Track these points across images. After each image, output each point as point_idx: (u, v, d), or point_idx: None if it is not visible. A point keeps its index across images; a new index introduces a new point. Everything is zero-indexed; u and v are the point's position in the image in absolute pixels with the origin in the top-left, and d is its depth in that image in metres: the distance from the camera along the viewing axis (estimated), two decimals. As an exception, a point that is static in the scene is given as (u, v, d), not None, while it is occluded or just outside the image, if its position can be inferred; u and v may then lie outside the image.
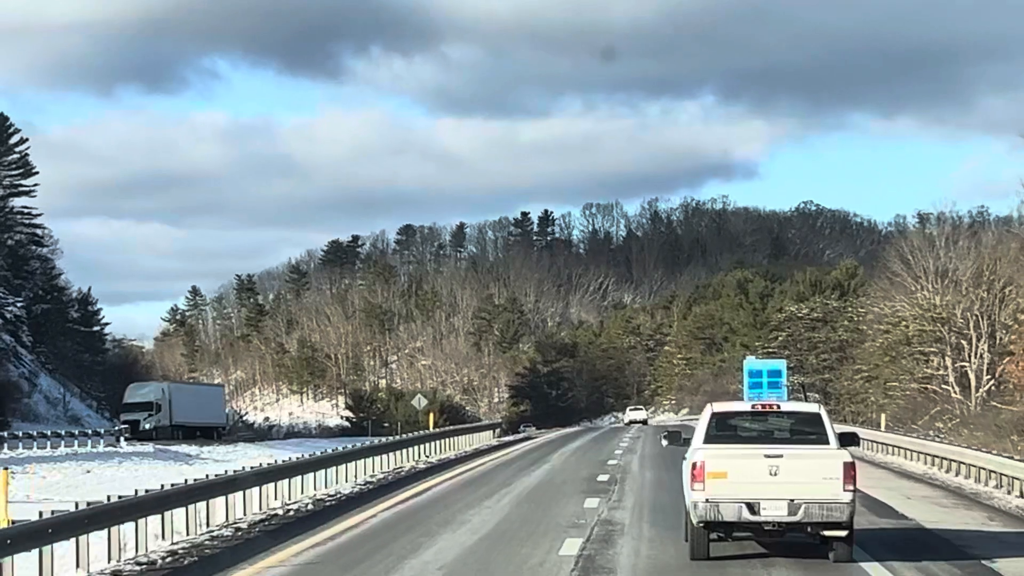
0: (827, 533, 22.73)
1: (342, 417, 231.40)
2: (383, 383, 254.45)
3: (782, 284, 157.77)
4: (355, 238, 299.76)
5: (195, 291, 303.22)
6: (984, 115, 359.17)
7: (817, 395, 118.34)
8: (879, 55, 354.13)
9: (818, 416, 23.46)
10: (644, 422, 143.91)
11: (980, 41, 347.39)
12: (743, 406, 24.27)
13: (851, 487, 22.30)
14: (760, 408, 23.73)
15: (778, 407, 23.67)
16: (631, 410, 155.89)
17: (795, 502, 22.11)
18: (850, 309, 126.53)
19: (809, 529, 22.58)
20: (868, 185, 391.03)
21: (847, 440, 23.33)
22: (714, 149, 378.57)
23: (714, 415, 23.74)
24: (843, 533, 22.62)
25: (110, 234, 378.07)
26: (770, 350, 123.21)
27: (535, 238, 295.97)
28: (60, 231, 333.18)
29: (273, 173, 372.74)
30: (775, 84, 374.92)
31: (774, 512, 22.21)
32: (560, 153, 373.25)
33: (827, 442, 23.02)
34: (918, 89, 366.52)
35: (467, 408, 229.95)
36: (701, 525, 22.58)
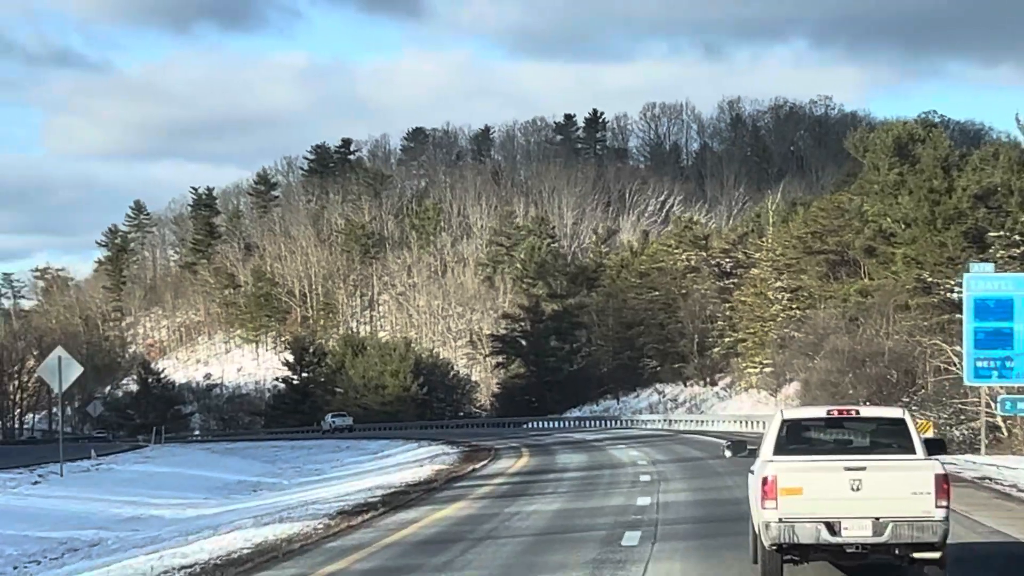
0: (917, 555, 20.93)
1: (276, 379, 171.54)
2: (365, 330, 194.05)
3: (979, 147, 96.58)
4: (346, 142, 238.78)
5: (138, 207, 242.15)
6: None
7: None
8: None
9: (902, 421, 21.75)
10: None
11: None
12: (817, 412, 22.50)
13: (944, 503, 20.57)
14: (836, 414, 21.93)
15: (856, 412, 22.18)
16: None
17: (880, 521, 20.53)
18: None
19: (897, 551, 20.85)
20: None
21: (934, 448, 21.97)
22: (804, 97, 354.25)
23: (784, 422, 21.75)
24: (936, 555, 20.84)
25: (187, 177, 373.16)
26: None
27: (579, 146, 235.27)
28: (136, 172, 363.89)
29: (349, 116, 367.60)
30: (870, 29, 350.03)
31: (857, 533, 20.60)
32: (642, 99, 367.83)
33: (913, 451, 21.40)
34: (1021, 37, 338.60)
35: (464, 371, 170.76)
36: (773, 548, 20.79)
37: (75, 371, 46.20)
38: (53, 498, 40.32)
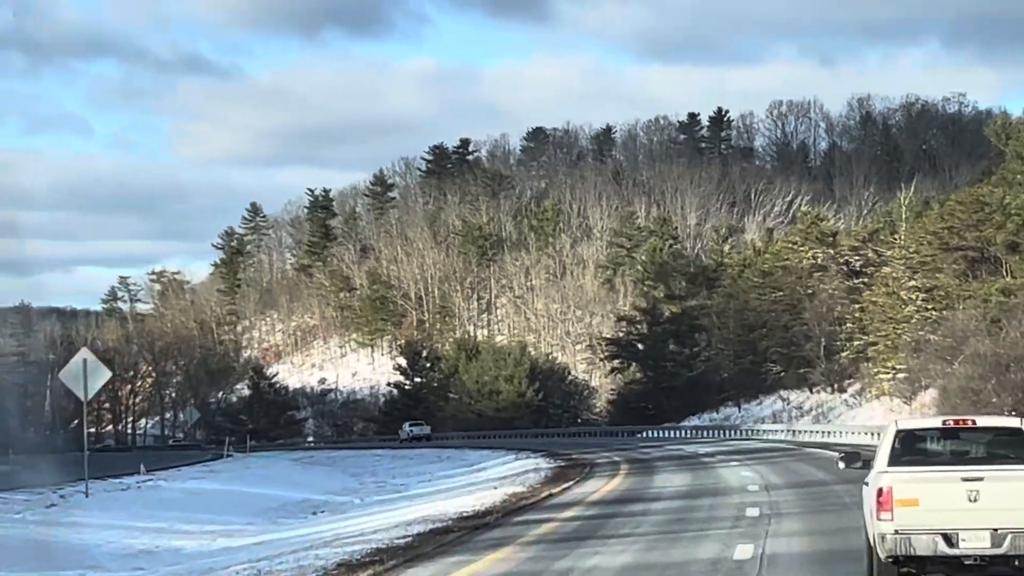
0: None
1: (389, 384, 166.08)
2: (482, 334, 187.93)
3: None
4: (464, 142, 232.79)
5: (255, 210, 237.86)
6: None
7: None
8: None
9: (1019, 431, 21.13)
10: None
11: None
12: (932, 422, 22.71)
13: None
14: (952, 424, 21.55)
15: (973, 422, 21.74)
16: None
17: (999, 532, 19.97)
18: None
19: (1016, 563, 20.23)
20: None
21: None
22: (936, 95, 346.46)
23: (899, 432, 21.23)
24: None
25: (311, 182, 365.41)
26: None
27: (703, 145, 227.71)
28: (262, 178, 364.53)
29: (471, 119, 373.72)
30: (1007, 29, 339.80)
31: (975, 544, 20.08)
32: (767, 99, 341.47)
33: None
34: None
35: (583, 376, 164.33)
36: (889, 560, 20.29)
37: (102, 376, 40.27)
38: (60, 526, 34.29)
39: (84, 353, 40.52)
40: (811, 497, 31.22)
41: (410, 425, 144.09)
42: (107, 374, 40.83)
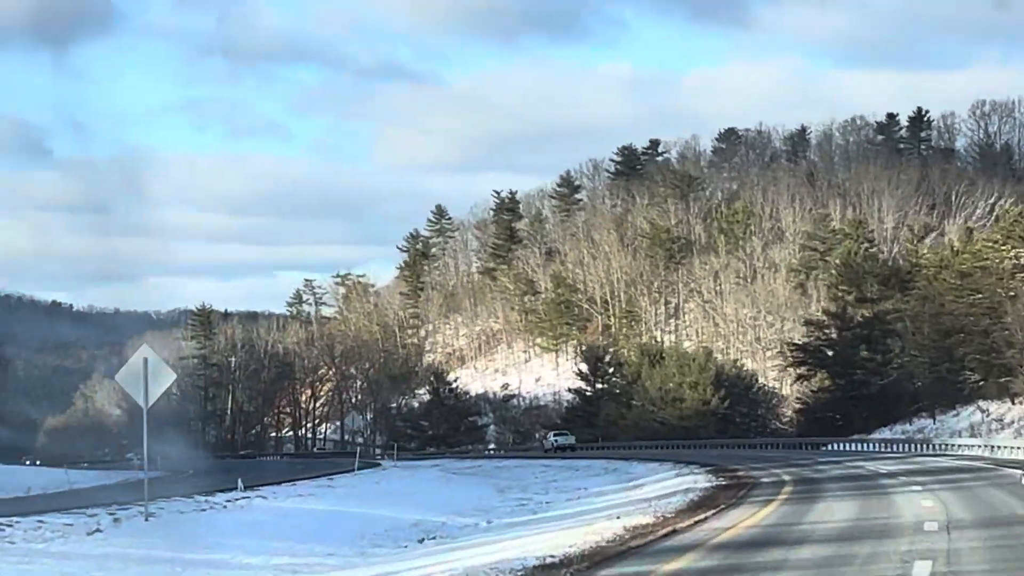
0: None
1: (569, 390, 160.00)
2: (669, 339, 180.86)
3: None
4: (654, 143, 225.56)
5: (440, 212, 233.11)
6: None
7: None
8: None
9: None
10: None
11: None
12: None
13: None
14: None
15: None
16: None
17: None
18: None
19: None
20: None
21: None
22: None
23: None
24: None
25: (505, 185, 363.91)
26: None
27: (901, 146, 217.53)
28: (456, 184, 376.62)
29: (666, 124, 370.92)
30: None
31: None
32: (968, 103, 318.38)
33: None
34: None
35: (773, 384, 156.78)
36: None
37: (165, 379, 34.30)
38: (88, 558, 28.41)
39: (145, 351, 34.47)
40: (1007, 545, 24.01)
41: (555, 435, 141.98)
42: (171, 377, 34.78)
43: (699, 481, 51.34)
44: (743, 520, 29.76)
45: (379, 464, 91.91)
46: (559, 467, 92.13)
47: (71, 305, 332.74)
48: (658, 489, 50.81)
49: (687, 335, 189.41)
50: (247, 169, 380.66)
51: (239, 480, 47.43)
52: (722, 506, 35.04)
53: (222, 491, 44.77)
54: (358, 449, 70.45)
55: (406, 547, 35.62)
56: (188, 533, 33.37)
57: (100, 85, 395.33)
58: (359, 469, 71.74)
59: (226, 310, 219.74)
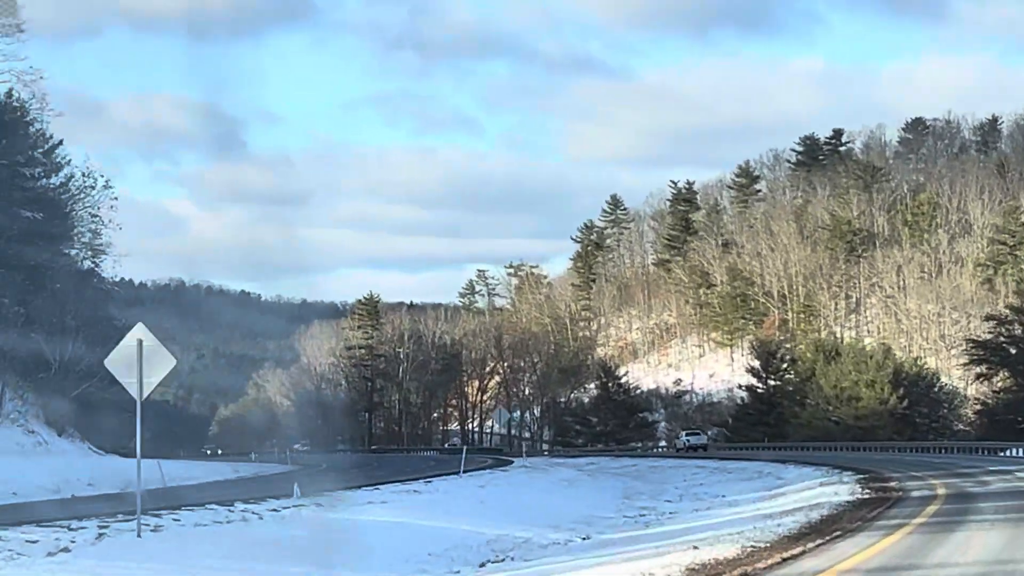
0: None
1: (740, 386, 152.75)
2: (849, 335, 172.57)
3: None
4: (837, 133, 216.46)
5: (615, 202, 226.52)
6: None
7: None
8: None
9: None
10: None
11: None
12: None
13: None
14: None
15: None
16: None
17: None
18: None
19: None
20: None
21: None
22: None
23: None
24: None
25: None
26: None
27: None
28: (645, 178, 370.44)
29: (852, 115, 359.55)
30: None
31: None
32: None
33: None
34: None
35: (958, 384, 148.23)
36: None
37: (164, 365, 28.55)
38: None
39: (139, 331, 28.75)
40: None
41: (687, 434, 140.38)
42: (170, 363, 29.00)
43: (840, 493, 44.52)
44: (845, 559, 23.14)
45: (510, 463, 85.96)
46: (712, 469, 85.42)
47: (259, 295, 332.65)
48: (791, 502, 44.10)
49: (867, 331, 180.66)
50: (437, 162, 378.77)
51: (295, 486, 41.51)
52: (837, 532, 28.38)
53: (277, 496, 39.07)
54: (464, 449, 64.49)
55: (458, 573, 29.50)
56: (180, 555, 27.51)
57: (294, 78, 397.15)
58: (479, 470, 65.80)
59: (411, 302, 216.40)
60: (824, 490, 47.45)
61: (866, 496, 42.22)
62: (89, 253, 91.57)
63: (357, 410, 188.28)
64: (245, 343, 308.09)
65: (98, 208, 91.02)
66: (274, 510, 36.05)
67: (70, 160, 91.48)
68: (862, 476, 55.97)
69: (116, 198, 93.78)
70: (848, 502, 39.38)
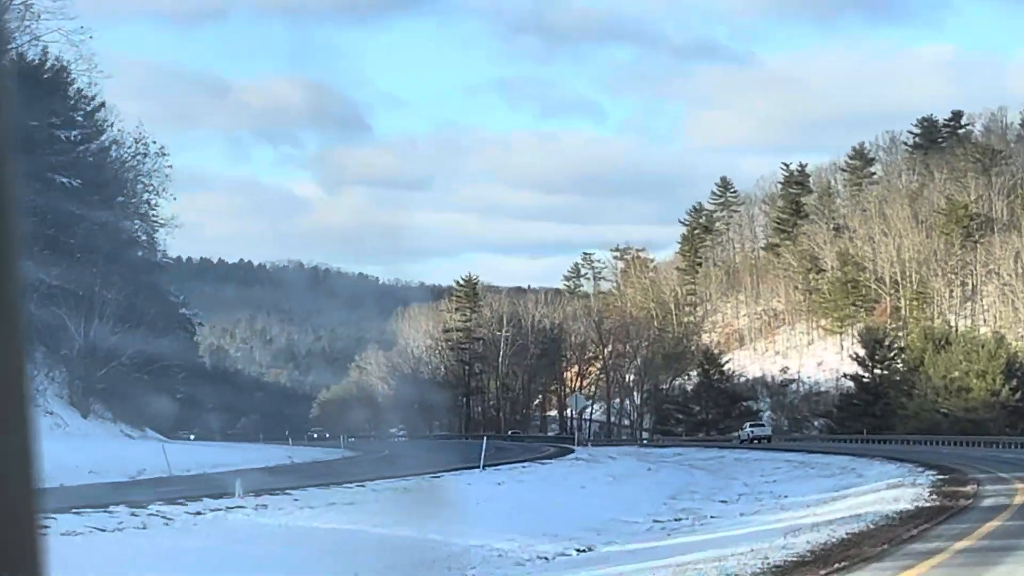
0: None
1: (844, 375, 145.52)
2: (964, 324, 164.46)
3: None
4: (956, 115, 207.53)
5: (724, 185, 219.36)
6: None
7: None
8: None
9: None
10: None
11: None
12: None
13: None
14: None
15: None
16: None
17: None
18: None
19: None
20: None
21: None
22: None
23: None
24: None
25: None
26: None
27: None
28: (764, 166, 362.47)
29: (976, 100, 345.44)
30: None
31: None
32: None
33: None
34: None
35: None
36: None
37: None
38: None
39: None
40: None
41: (751, 426, 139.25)
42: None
43: (902, 499, 38.40)
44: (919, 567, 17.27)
45: (569, 452, 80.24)
46: (797, 463, 79.13)
47: (377, 278, 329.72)
48: (846, 507, 38.07)
49: (983, 319, 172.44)
50: (558, 147, 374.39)
51: (237, 483, 35.86)
52: (842, 564, 22.34)
53: (224, 496, 33.66)
54: (484, 441, 59.10)
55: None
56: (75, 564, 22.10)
57: (419, 63, 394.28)
58: (519, 462, 60.12)
59: (529, 286, 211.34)
60: (886, 494, 41.32)
61: (928, 504, 36.06)
62: (139, 223, 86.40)
63: (456, 395, 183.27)
64: (361, 326, 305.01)
65: (151, 177, 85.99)
66: (197, 513, 30.53)
67: (112, 124, 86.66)
68: (942, 477, 49.61)
69: (171, 166, 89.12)
70: (900, 512, 33.30)
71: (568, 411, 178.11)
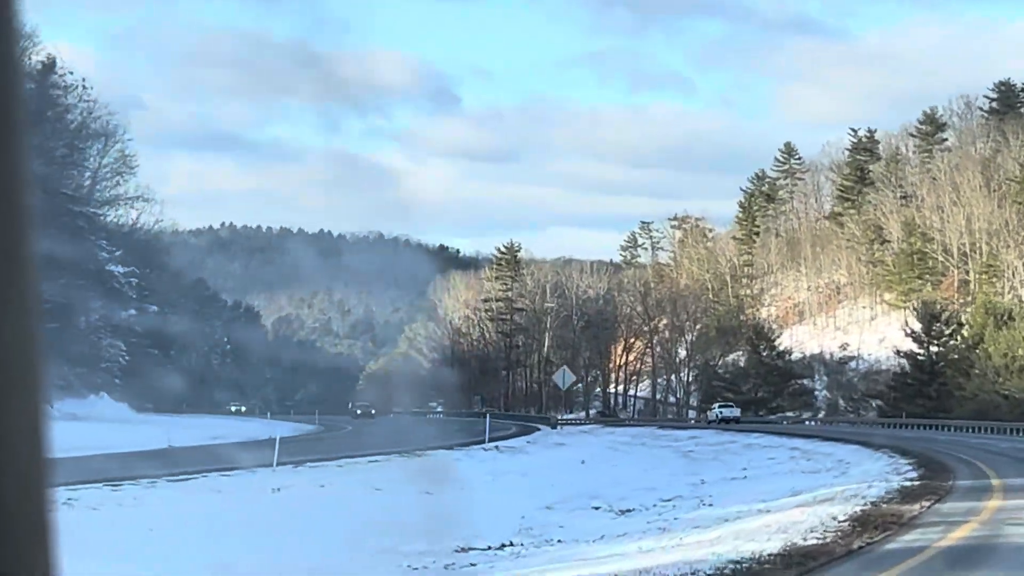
0: None
1: (897, 352, 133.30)
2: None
3: None
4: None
5: (788, 151, 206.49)
6: None
7: None
8: None
9: None
10: None
11: None
12: None
13: None
14: None
15: None
16: None
17: None
18: None
19: None
20: None
21: None
22: None
23: None
24: None
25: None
26: None
27: None
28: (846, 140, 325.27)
29: None
30: None
31: None
32: None
33: None
34: None
35: None
36: None
37: None
38: None
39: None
40: None
41: (720, 407, 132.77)
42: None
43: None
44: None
45: (539, 430, 69.45)
46: (800, 452, 67.89)
47: (458, 251, 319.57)
48: (765, 524, 26.90)
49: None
50: (647, 121, 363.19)
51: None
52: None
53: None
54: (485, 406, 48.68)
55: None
56: None
57: (509, 36, 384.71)
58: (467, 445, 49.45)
59: (610, 261, 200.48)
60: (818, 509, 30.12)
61: (830, 536, 24.80)
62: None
63: (497, 368, 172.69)
64: (431, 298, 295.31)
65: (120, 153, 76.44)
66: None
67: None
68: (906, 484, 38.06)
69: (131, 139, 79.71)
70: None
71: (618, 387, 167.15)
